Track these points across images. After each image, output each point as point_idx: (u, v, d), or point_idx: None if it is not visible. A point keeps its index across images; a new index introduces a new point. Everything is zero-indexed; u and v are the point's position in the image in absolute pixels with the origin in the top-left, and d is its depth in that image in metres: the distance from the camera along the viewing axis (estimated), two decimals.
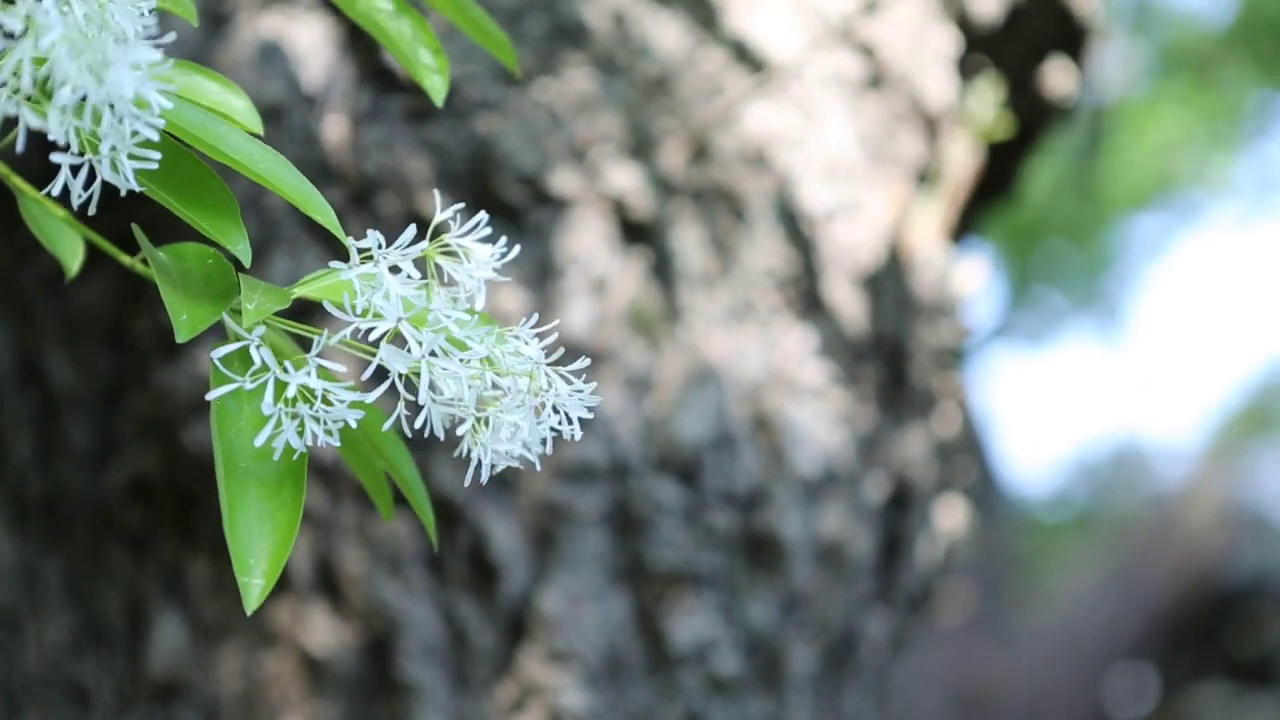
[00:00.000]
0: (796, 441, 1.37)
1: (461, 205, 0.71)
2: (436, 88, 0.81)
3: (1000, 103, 1.66)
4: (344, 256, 0.66)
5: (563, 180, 1.33)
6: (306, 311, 0.71)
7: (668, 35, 1.37)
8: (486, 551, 1.31)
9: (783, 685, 1.39)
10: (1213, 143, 5.46)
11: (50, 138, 0.61)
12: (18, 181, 0.74)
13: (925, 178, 1.53)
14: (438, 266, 0.68)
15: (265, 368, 0.64)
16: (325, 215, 0.69)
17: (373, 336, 0.65)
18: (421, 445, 1.30)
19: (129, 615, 1.36)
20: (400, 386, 0.65)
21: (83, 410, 1.36)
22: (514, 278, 1.31)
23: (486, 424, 0.67)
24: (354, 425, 0.65)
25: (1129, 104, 4.74)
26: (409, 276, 0.65)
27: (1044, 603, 4.91)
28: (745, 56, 1.39)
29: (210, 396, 0.64)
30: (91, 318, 1.35)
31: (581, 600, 1.31)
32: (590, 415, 0.68)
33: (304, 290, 0.69)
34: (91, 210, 0.64)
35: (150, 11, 0.63)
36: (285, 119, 1.30)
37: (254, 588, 0.65)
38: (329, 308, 0.66)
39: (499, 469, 0.67)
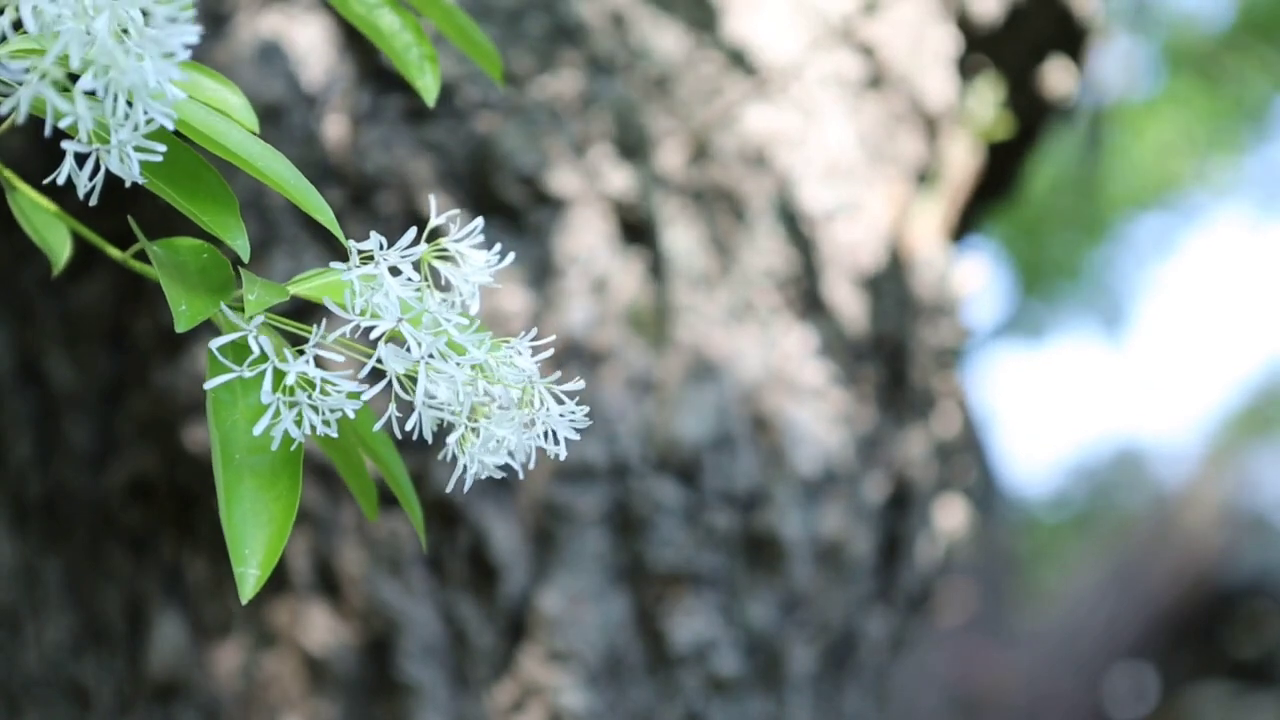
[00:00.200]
0: (796, 441, 1.37)
1: (457, 212, 0.71)
2: (428, 88, 0.81)
3: (1000, 103, 1.66)
4: (344, 257, 0.66)
5: (562, 180, 1.33)
6: (301, 313, 0.71)
7: (667, 35, 1.37)
8: (486, 551, 1.31)
9: (783, 685, 1.39)
10: (1214, 143, 5.46)
11: (63, 125, 0.61)
12: (8, 175, 0.74)
13: (925, 178, 1.53)
14: (433, 270, 0.68)
15: (263, 358, 0.65)
16: (324, 214, 0.69)
17: (372, 336, 0.65)
18: (421, 446, 1.30)
19: (129, 615, 1.36)
20: (397, 386, 0.65)
21: (83, 410, 1.36)
22: (514, 278, 1.31)
23: (476, 434, 0.67)
24: (351, 416, 0.65)
25: (1129, 104, 4.75)
26: (409, 279, 0.65)
27: (1044, 603, 4.91)
28: (745, 57, 1.39)
29: (208, 386, 0.65)
30: (91, 318, 1.35)
31: (581, 600, 1.31)
32: (578, 437, 0.68)
33: (302, 287, 0.69)
34: (93, 202, 0.64)
35: None
36: (285, 119, 1.30)
37: (249, 578, 0.65)
38: (329, 304, 0.66)
39: (483, 476, 0.67)
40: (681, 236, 1.36)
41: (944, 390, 1.54)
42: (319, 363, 0.65)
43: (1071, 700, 4.33)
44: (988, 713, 4.11)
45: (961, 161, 1.60)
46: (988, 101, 1.65)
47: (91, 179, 0.63)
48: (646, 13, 1.36)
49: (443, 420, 0.67)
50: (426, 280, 0.67)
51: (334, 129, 1.31)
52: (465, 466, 0.67)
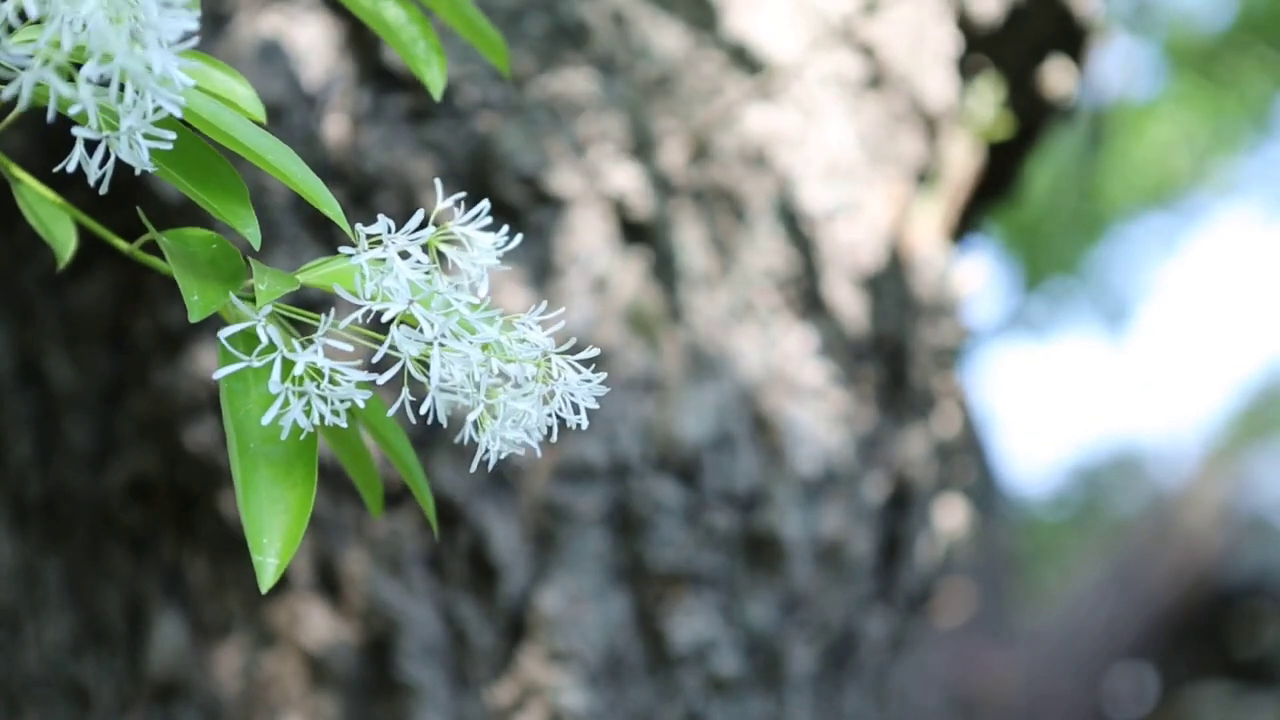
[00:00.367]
0: (796, 441, 1.37)
1: (463, 195, 0.71)
2: (435, 81, 0.82)
3: (1000, 103, 1.66)
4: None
5: (563, 180, 1.33)
6: (307, 306, 0.71)
7: (668, 35, 1.37)
8: (486, 551, 1.31)
9: (783, 685, 1.39)
10: (1214, 143, 5.46)
11: (71, 113, 0.61)
12: (15, 170, 0.74)
13: (925, 178, 1.53)
14: (441, 254, 0.68)
15: (272, 347, 0.65)
16: (331, 208, 0.69)
17: (384, 319, 0.65)
18: (422, 444, 1.30)
19: (129, 615, 1.36)
20: (411, 368, 0.65)
21: (83, 410, 1.36)
22: (514, 277, 1.31)
23: (494, 413, 0.67)
24: (361, 405, 0.65)
25: (1129, 104, 4.74)
26: (418, 262, 0.66)
27: (1044, 603, 4.91)
28: (745, 57, 1.39)
29: (217, 375, 0.65)
30: (91, 318, 1.35)
31: (581, 600, 1.31)
32: (597, 405, 0.68)
33: (312, 275, 0.69)
34: (103, 190, 0.64)
35: None
36: (285, 118, 1.30)
37: (268, 566, 0.66)
38: (339, 291, 0.66)
39: (504, 456, 0.67)
40: (682, 236, 1.36)
41: (944, 390, 1.54)
42: (328, 352, 0.65)
43: (1071, 700, 4.33)
44: (988, 713, 4.11)
45: (961, 161, 1.60)
46: (988, 101, 1.65)
47: (101, 167, 0.63)
48: (647, 12, 1.36)
49: (456, 404, 0.67)
50: (436, 264, 0.67)
51: (334, 129, 1.31)
52: (486, 447, 0.67)
